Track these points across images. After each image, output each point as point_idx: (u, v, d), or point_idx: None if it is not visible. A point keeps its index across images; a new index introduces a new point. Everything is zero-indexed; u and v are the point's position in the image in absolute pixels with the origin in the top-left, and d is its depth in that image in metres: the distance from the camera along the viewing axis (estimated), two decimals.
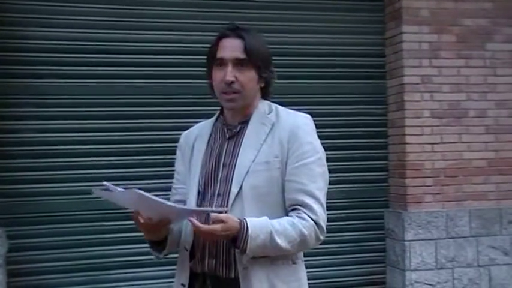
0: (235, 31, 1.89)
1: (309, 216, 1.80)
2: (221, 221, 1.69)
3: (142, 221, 1.73)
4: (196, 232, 1.76)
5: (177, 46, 4.48)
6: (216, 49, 1.89)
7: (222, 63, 1.87)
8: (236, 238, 1.72)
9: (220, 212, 1.73)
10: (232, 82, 1.85)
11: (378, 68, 4.96)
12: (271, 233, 1.74)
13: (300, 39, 4.77)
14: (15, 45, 4.25)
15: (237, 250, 1.78)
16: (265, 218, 1.77)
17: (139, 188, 1.66)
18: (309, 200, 1.81)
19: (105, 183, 1.73)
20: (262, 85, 1.94)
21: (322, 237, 1.85)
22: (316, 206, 1.82)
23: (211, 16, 4.48)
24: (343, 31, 4.88)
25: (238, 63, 1.86)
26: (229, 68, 1.85)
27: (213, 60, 1.90)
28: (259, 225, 1.74)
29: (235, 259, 1.81)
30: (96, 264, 4.32)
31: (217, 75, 1.89)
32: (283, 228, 1.77)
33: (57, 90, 4.31)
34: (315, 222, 1.81)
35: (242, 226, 1.72)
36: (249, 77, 1.87)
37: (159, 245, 1.91)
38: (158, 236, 1.86)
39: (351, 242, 4.86)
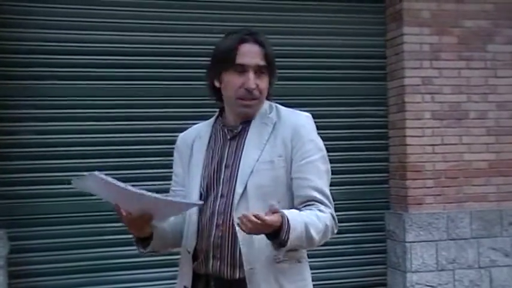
0: (253, 36, 1.89)
1: (326, 209, 1.83)
2: (276, 212, 1.66)
3: (124, 213, 1.73)
4: (253, 225, 1.61)
5: (176, 48, 4.48)
6: (235, 54, 1.86)
7: (243, 69, 1.86)
8: (278, 231, 1.67)
9: (197, 205, 1.72)
10: (253, 89, 1.87)
11: (379, 70, 4.95)
12: (306, 224, 1.73)
13: (301, 40, 4.77)
14: (13, 47, 4.25)
15: (246, 249, 1.76)
16: (296, 210, 1.77)
17: (139, 189, 1.67)
18: (320, 196, 1.84)
19: (99, 175, 1.71)
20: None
21: (335, 230, 1.88)
22: (327, 201, 1.85)
23: (211, 18, 4.48)
24: (344, 33, 4.88)
25: (258, 70, 1.87)
26: (251, 74, 1.86)
27: (227, 64, 1.87)
28: (295, 216, 1.73)
29: (241, 259, 1.80)
30: (97, 266, 4.32)
31: (236, 80, 1.87)
32: (312, 220, 1.77)
33: (55, 92, 4.30)
34: (331, 215, 1.84)
35: (284, 218, 1.68)
36: (265, 84, 1.91)
37: (143, 241, 1.89)
38: (142, 232, 1.84)
39: (351, 244, 4.85)
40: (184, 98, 4.47)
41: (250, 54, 1.86)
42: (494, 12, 4.90)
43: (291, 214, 1.71)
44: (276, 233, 1.67)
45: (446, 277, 4.70)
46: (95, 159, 4.33)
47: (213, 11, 4.55)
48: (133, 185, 1.69)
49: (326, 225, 1.80)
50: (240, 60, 1.86)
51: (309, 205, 1.83)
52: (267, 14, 4.70)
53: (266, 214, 1.64)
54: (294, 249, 1.80)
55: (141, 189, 1.68)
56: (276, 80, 1.98)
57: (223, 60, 1.88)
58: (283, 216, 1.68)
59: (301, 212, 1.78)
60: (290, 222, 1.68)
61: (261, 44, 1.88)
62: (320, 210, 1.82)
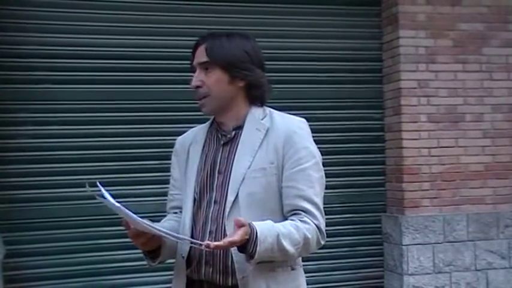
0: (204, 37, 1.91)
1: (311, 221, 1.79)
2: (242, 225, 1.64)
3: (132, 226, 1.72)
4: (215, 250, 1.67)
5: (172, 51, 4.47)
6: (192, 58, 1.92)
7: (193, 71, 1.90)
8: (245, 243, 1.66)
9: (201, 245, 1.66)
10: (198, 87, 1.87)
11: (375, 73, 4.96)
12: (278, 235, 1.70)
13: (297, 44, 4.77)
14: (11, 51, 4.24)
15: (238, 255, 1.73)
16: (270, 221, 1.74)
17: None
18: (308, 206, 1.80)
19: (99, 186, 1.70)
20: (241, 85, 1.88)
21: (322, 242, 1.84)
22: (315, 212, 1.81)
23: (207, 21, 4.48)
24: (339, 36, 4.89)
25: (203, 67, 1.88)
26: (196, 73, 1.88)
27: (191, 70, 1.94)
28: (266, 227, 1.70)
29: (233, 267, 1.78)
30: (93, 270, 4.30)
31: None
32: (288, 231, 1.74)
33: (53, 96, 4.30)
34: (317, 227, 1.80)
35: (251, 229, 1.66)
36: (214, 79, 1.86)
37: (152, 253, 1.88)
38: (149, 246, 1.83)
39: (348, 247, 4.85)
40: (180, 102, 4.46)
41: (197, 55, 1.89)
42: (490, 15, 4.91)
43: (261, 226, 1.69)
44: (245, 245, 1.66)
45: (443, 280, 4.71)
46: (92, 163, 4.33)
47: (209, 14, 4.54)
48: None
49: (306, 237, 1.76)
50: (193, 63, 1.91)
51: (294, 214, 1.80)
52: (262, 17, 4.70)
53: (233, 232, 1.63)
54: (270, 261, 1.76)
55: (142, 217, 1.67)
56: (251, 74, 1.88)
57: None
58: (252, 228, 1.67)
59: (276, 224, 1.74)
60: (258, 234, 1.66)
61: (206, 41, 1.88)
62: (303, 221, 1.78)
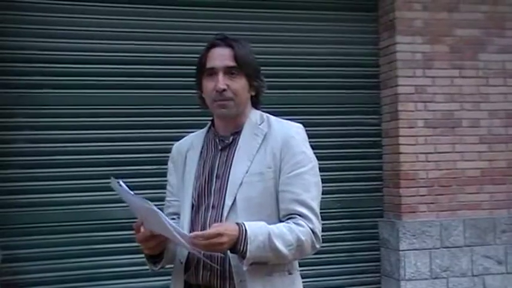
0: (224, 40, 1.90)
1: (306, 224, 1.80)
2: (218, 227, 1.68)
3: (142, 230, 1.74)
4: (204, 248, 1.70)
5: (169, 56, 4.49)
6: (205, 59, 1.89)
7: (213, 72, 1.88)
8: (236, 242, 1.69)
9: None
10: (224, 90, 1.86)
11: (372, 78, 4.97)
12: (269, 234, 1.72)
13: (294, 49, 4.78)
14: (9, 56, 4.25)
15: (235, 258, 1.75)
16: (262, 222, 1.76)
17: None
18: (303, 210, 1.81)
19: (121, 182, 1.74)
20: (253, 94, 1.94)
21: (318, 246, 1.85)
22: (311, 216, 1.82)
23: (203, 27, 4.48)
24: (337, 41, 4.90)
25: (229, 71, 1.87)
26: (221, 76, 1.86)
27: (202, 71, 1.90)
28: (257, 226, 1.72)
29: (231, 271, 1.79)
30: (89, 275, 4.29)
31: (209, 85, 1.88)
32: (281, 232, 1.75)
33: (50, 101, 4.30)
34: (311, 230, 1.81)
35: (240, 228, 1.69)
36: (240, 85, 1.88)
37: (155, 258, 1.89)
38: (154, 250, 1.84)
39: (345, 252, 4.85)
40: (177, 107, 4.47)
41: (219, 57, 1.87)
42: (486, 21, 4.94)
43: (251, 225, 1.71)
44: (235, 245, 1.68)
45: (440, 285, 4.71)
46: (90, 168, 4.32)
47: (205, 19, 4.55)
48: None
49: (299, 238, 1.77)
50: (209, 64, 1.88)
51: (290, 218, 1.81)
52: (259, 22, 4.70)
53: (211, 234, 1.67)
54: (263, 263, 1.76)
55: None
56: (263, 84, 1.95)
57: (198, 67, 1.92)
58: (239, 226, 1.69)
59: (269, 225, 1.75)
60: (248, 232, 1.68)
61: (230, 46, 1.88)
62: (297, 224, 1.79)
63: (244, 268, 1.73)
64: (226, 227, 1.69)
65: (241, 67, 1.87)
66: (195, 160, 1.95)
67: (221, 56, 1.87)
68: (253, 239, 1.69)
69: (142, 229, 1.75)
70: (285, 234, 1.75)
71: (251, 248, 1.68)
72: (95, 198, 4.28)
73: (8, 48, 4.24)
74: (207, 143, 1.97)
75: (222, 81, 1.85)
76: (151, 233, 1.75)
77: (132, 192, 1.71)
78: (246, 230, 1.69)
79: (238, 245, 1.68)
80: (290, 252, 1.77)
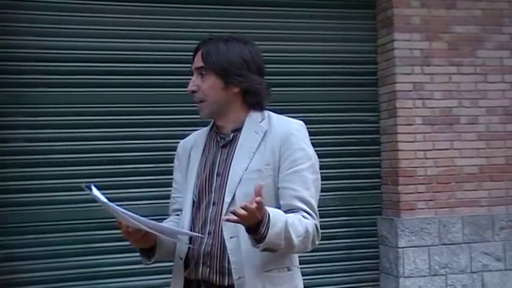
0: (202, 43, 1.93)
1: (311, 218, 1.81)
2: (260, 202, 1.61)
3: (125, 228, 1.77)
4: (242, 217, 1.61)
5: (170, 55, 4.47)
6: (192, 63, 1.95)
7: (193, 74, 1.93)
8: (259, 224, 1.65)
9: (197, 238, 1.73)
10: (194, 91, 1.90)
11: (370, 75, 4.97)
12: (286, 222, 1.71)
13: (292, 47, 4.77)
14: (4, 54, 4.22)
15: (235, 258, 1.76)
16: (279, 210, 1.76)
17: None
18: (304, 206, 1.81)
19: (93, 187, 1.76)
20: (236, 91, 1.89)
21: (317, 243, 1.86)
22: (312, 212, 1.83)
23: (206, 25, 4.47)
24: (335, 39, 4.90)
25: (199, 72, 1.90)
26: (193, 77, 1.91)
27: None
28: (277, 212, 1.72)
29: (229, 268, 1.80)
30: (87, 274, 4.28)
31: None
32: (294, 222, 1.75)
33: (47, 100, 4.28)
34: (315, 225, 1.83)
35: (265, 212, 1.66)
36: (209, 84, 1.89)
37: (147, 251, 1.90)
38: (144, 243, 1.85)
39: (344, 249, 4.85)
40: (178, 105, 4.44)
41: (195, 59, 1.92)
42: (484, 18, 4.93)
43: (273, 211, 1.70)
44: (257, 227, 1.66)
45: (438, 282, 4.71)
46: (86, 166, 4.31)
47: (207, 17, 4.54)
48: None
49: (307, 230, 1.78)
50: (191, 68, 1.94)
51: (293, 212, 1.81)
52: (258, 20, 4.70)
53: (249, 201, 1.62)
54: (272, 250, 1.74)
55: (137, 214, 1.72)
56: (247, 80, 1.88)
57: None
58: (265, 210, 1.67)
59: (285, 214, 1.76)
60: (271, 217, 1.67)
61: (203, 46, 1.90)
62: (304, 217, 1.80)
63: (259, 251, 1.71)
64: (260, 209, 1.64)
65: (207, 65, 1.87)
66: (198, 157, 1.96)
67: (196, 59, 1.92)
68: (274, 224, 1.67)
69: (124, 227, 1.78)
70: (296, 225, 1.75)
71: (271, 233, 1.66)
72: (92, 197, 4.25)
73: (3, 47, 4.22)
74: (209, 141, 1.98)
75: (191, 82, 1.91)
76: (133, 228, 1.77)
77: (101, 197, 1.74)
78: (269, 214, 1.67)
79: (261, 227, 1.65)
80: (298, 243, 1.76)
